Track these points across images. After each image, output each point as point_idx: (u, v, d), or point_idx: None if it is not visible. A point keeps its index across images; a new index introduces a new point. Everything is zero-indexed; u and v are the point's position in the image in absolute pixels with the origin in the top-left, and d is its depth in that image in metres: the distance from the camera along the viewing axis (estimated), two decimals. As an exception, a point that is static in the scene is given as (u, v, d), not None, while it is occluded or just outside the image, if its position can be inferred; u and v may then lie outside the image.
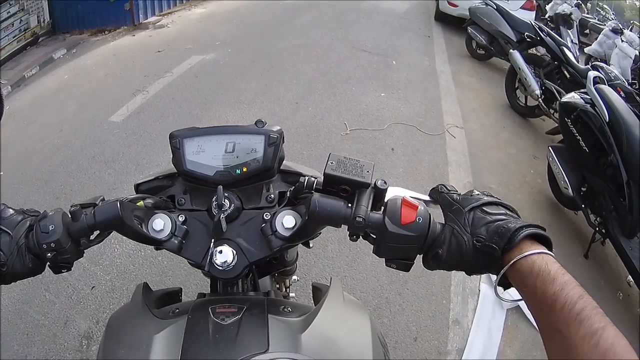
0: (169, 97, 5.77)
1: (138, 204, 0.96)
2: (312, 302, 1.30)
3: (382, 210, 0.86)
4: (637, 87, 5.37)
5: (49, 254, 0.85)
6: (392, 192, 0.92)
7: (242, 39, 8.25)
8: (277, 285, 1.84)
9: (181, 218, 0.99)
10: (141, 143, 4.70)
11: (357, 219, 0.83)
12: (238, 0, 11.95)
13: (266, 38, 8.34)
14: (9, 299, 2.93)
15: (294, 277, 1.93)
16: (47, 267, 0.89)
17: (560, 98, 4.71)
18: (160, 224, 0.94)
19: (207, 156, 1.03)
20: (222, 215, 0.93)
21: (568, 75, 5.60)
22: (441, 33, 9.89)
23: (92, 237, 0.92)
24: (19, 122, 5.67)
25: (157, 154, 4.46)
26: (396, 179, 4.29)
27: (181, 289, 1.21)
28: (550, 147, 4.19)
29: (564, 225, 4.15)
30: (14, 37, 8.30)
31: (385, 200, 0.88)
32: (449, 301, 3.07)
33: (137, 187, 1.14)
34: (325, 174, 0.90)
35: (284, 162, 1.12)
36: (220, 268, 0.92)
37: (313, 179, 0.99)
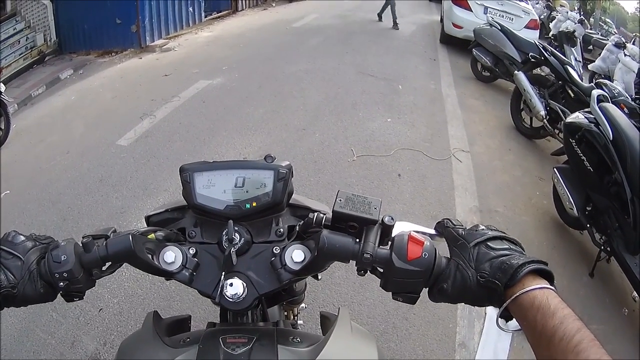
0: (177, 122, 5.89)
1: (149, 236, 0.99)
2: (320, 330, 1.35)
3: (389, 245, 0.89)
4: None
5: (62, 283, 0.88)
6: (399, 227, 0.96)
7: (249, 63, 8.42)
8: (285, 313, 1.87)
9: (192, 251, 1.03)
10: (149, 168, 4.80)
11: (365, 255, 0.86)
12: (244, 25, 12.15)
13: (273, 63, 8.50)
14: (16, 317, 2.99)
15: (302, 304, 1.93)
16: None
17: (565, 118, 4.78)
18: (172, 256, 0.98)
19: (217, 190, 1.07)
20: (232, 249, 0.97)
21: (572, 95, 5.67)
22: (447, 56, 10.04)
23: (104, 268, 0.95)
24: (26, 141, 5.83)
25: (165, 179, 4.54)
26: (403, 205, 4.36)
27: (190, 316, 1.26)
28: (555, 168, 4.25)
29: (570, 245, 4.20)
30: (20, 55, 8.53)
31: (393, 235, 0.91)
32: (455, 324, 3.11)
33: (148, 219, 1.19)
34: (334, 212, 0.94)
35: (293, 195, 1.16)
36: (231, 300, 0.96)
37: (322, 215, 1.01)
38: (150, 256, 0.95)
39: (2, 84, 5.76)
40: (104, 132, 5.74)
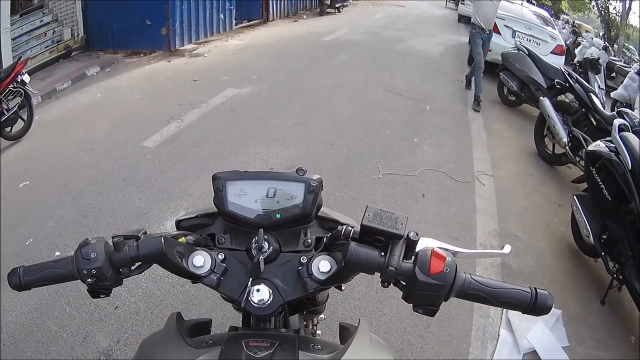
0: (204, 128, 5.97)
1: (180, 240, 1.04)
2: (339, 340, 1.37)
3: (412, 260, 0.93)
4: None
5: (89, 280, 0.93)
6: (423, 243, 1.01)
7: (278, 74, 8.54)
8: (305, 323, 1.87)
9: (221, 256, 1.07)
10: (174, 171, 4.86)
11: (390, 268, 0.91)
12: (275, 35, 12.33)
13: (302, 75, 8.63)
14: (27, 306, 3.05)
15: (322, 315, 1.96)
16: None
17: (587, 146, 4.86)
18: (201, 260, 1.02)
19: (249, 199, 1.10)
20: (261, 257, 1.00)
21: (595, 122, 5.73)
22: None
23: (133, 268, 1.00)
24: (48, 134, 5.93)
25: (190, 184, 4.60)
26: (425, 225, 4.40)
27: (211, 320, 1.28)
28: (574, 196, 4.31)
29: (584, 272, 4.22)
30: (46, 47, 8.65)
31: (417, 250, 0.95)
32: (469, 345, 3.16)
33: (179, 223, 1.23)
34: (362, 225, 0.97)
35: (322, 208, 1.20)
36: (256, 305, 0.99)
37: (350, 228, 1.05)
38: (180, 259, 1.00)
39: (27, 75, 5.85)
40: (129, 132, 5.84)
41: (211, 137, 5.72)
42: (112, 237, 0.97)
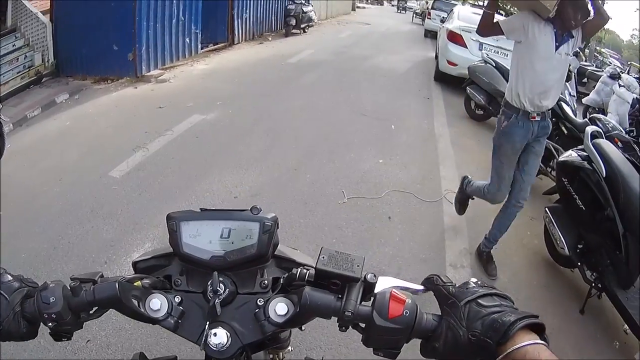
0: (169, 156, 5.96)
1: (136, 283, 1.01)
2: None
3: (371, 303, 0.91)
4: (634, 134, 5.51)
5: (50, 324, 0.92)
6: (383, 283, 0.96)
7: (243, 98, 8.55)
8: (271, 356, 1.85)
9: (177, 299, 1.05)
10: (140, 202, 4.86)
11: (346, 313, 0.89)
12: (240, 58, 12.35)
13: (267, 99, 8.65)
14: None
15: (289, 348, 1.97)
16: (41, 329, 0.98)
17: (558, 156, 4.84)
18: (157, 304, 1.00)
19: (204, 240, 1.07)
20: (217, 300, 0.98)
21: (566, 131, 5.74)
22: (440, 94, 10.14)
23: (91, 312, 0.99)
24: (20, 163, 5.82)
25: (155, 214, 4.58)
26: (393, 248, 4.40)
27: (176, 357, 1.27)
28: (546, 208, 4.28)
29: (561, 283, 4.25)
30: (18, 73, 8.55)
31: (376, 291, 0.92)
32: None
33: (135, 265, 1.19)
34: (316, 269, 0.96)
35: (279, 247, 1.17)
36: (215, 349, 0.97)
37: (305, 270, 1.04)
38: (136, 303, 0.99)
39: None
40: (96, 161, 5.79)
41: (176, 166, 5.71)
42: (70, 280, 0.97)
